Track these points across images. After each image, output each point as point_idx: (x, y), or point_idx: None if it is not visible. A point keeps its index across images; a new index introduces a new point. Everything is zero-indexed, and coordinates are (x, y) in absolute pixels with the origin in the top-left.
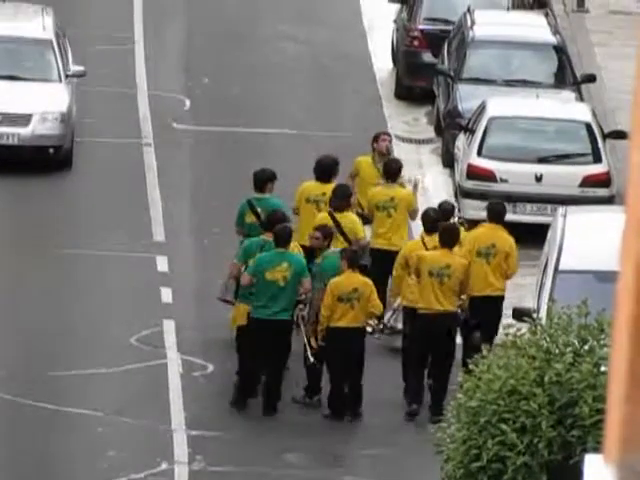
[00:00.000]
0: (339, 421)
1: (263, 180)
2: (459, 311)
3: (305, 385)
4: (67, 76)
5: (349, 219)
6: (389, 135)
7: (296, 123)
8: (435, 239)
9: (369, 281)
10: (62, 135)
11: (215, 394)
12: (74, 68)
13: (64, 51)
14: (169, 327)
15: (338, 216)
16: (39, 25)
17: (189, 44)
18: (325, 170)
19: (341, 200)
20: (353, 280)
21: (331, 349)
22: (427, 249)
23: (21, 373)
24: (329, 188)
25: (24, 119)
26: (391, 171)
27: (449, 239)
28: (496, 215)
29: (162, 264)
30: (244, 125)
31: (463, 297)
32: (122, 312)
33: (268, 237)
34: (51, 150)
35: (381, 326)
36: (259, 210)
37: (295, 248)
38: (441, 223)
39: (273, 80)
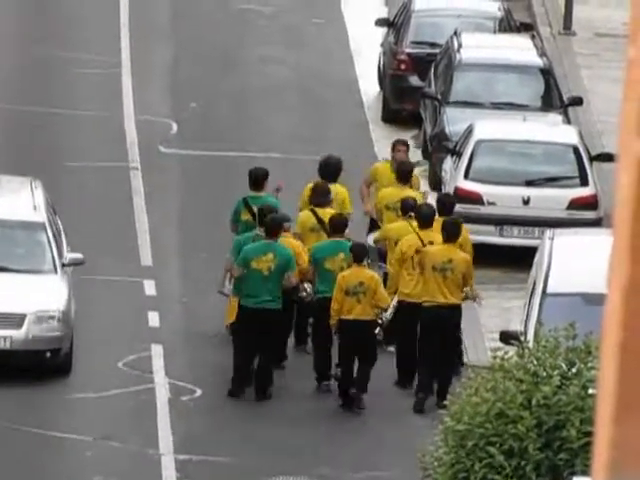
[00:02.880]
0: (349, 411)
1: (259, 178)
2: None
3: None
4: (63, 265)
5: (330, 215)
6: (405, 145)
7: (283, 147)
8: (430, 234)
9: (375, 275)
10: (60, 337)
11: (203, 418)
12: (71, 256)
13: (58, 234)
14: (157, 351)
15: (320, 212)
16: (29, 204)
17: (176, 68)
18: (331, 170)
19: (321, 197)
20: (360, 274)
21: (341, 341)
22: (424, 244)
23: (8, 397)
24: (335, 188)
25: (17, 320)
26: (403, 173)
27: (452, 234)
28: (446, 208)
29: (150, 288)
30: (231, 149)
31: (466, 289)
32: (110, 336)
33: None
34: (48, 354)
35: (380, 322)
36: (254, 208)
37: (292, 244)
38: (444, 219)
39: (260, 104)
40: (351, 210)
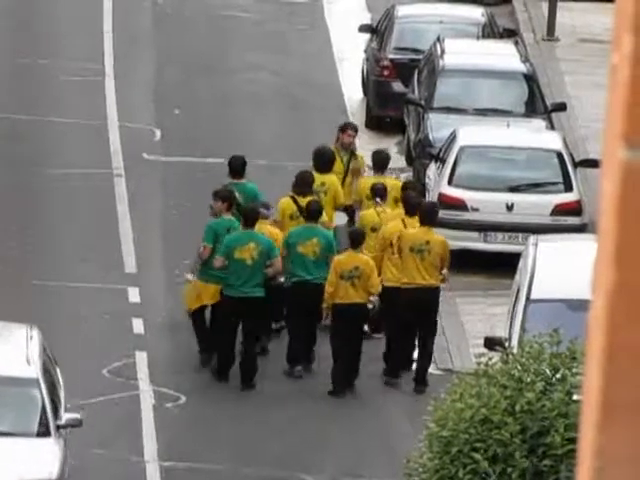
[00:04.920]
0: (340, 397)
1: (240, 165)
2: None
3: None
4: (59, 428)
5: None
6: (355, 130)
7: (267, 153)
8: (415, 222)
9: (371, 260)
10: None
11: (188, 425)
12: (67, 416)
13: (55, 390)
14: (141, 358)
15: (300, 200)
16: (21, 357)
17: (159, 75)
18: (324, 161)
19: (304, 186)
20: (355, 259)
21: (335, 324)
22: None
23: None
24: (328, 178)
25: None
26: (380, 162)
27: (429, 217)
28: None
29: (134, 295)
30: (215, 156)
31: (444, 272)
32: (94, 344)
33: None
34: None
35: (371, 306)
36: (237, 195)
37: (270, 231)
38: (421, 203)
39: (244, 111)
40: (343, 200)
